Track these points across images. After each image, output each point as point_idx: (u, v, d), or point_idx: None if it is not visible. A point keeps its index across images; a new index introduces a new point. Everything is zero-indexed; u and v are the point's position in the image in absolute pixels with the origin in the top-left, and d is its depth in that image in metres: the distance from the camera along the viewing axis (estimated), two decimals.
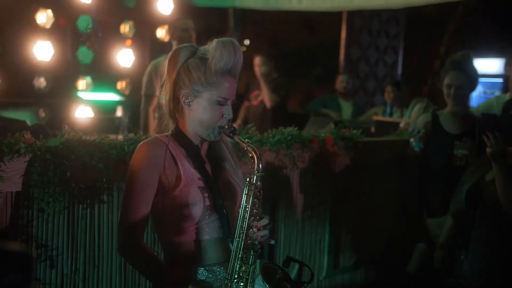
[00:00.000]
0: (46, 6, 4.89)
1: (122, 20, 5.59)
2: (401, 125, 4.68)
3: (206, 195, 2.08)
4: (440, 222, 3.53)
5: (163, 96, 2.17)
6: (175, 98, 2.12)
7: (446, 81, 3.61)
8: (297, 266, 3.50)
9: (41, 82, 4.95)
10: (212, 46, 2.07)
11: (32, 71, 5.02)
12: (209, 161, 2.19)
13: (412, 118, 4.53)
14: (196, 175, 2.10)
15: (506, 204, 2.77)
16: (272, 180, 3.47)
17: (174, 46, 4.48)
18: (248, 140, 2.09)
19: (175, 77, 2.10)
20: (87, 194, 2.76)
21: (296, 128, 3.60)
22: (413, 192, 3.86)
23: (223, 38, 2.07)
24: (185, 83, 2.08)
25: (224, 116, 2.10)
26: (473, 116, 3.66)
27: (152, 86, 4.33)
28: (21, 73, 5.05)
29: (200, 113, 2.09)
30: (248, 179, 2.04)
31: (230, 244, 2.10)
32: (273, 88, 5.80)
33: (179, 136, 2.14)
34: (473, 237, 2.97)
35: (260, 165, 2.04)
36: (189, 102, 2.09)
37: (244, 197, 2.04)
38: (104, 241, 2.85)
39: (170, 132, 2.17)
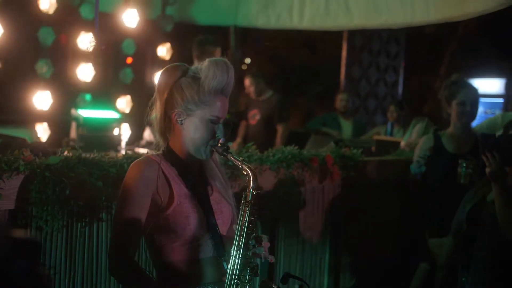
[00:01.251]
0: (47, 24, 4.89)
1: (123, 38, 5.60)
2: (402, 144, 4.68)
3: (199, 214, 2.08)
4: (441, 243, 3.50)
5: (153, 115, 2.17)
6: (166, 117, 2.13)
7: (460, 98, 3.60)
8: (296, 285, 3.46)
9: (41, 99, 4.95)
10: (205, 66, 2.08)
11: (33, 88, 5.02)
12: (201, 180, 2.19)
13: (413, 138, 4.53)
14: (189, 194, 2.10)
15: (504, 225, 2.75)
16: (272, 199, 3.45)
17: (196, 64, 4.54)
18: (242, 158, 2.11)
19: (167, 96, 2.10)
20: (85, 212, 2.73)
21: (296, 147, 3.59)
22: (414, 212, 3.84)
23: (216, 58, 2.09)
24: (177, 101, 2.09)
25: (216, 135, 2.11)
26: (475, 135, 3.66)
27: None
28: (21, 90, 5.04)
29: (192, 132, 2.09)
30: (244, 197, 2.05)
31: (224, 263, 2.09)
32: (269, 108, 5.85)
33: (171, 155, 2.14)
34: (473, 259, 2.94)
35: (256, 183, 2.05)
36: (182, 120, 2.10)
37: (240, 214, 2.04)
38: (103, 259, 2.81)
39: (161, 151, 2.18)
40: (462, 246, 3.06)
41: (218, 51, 4.53)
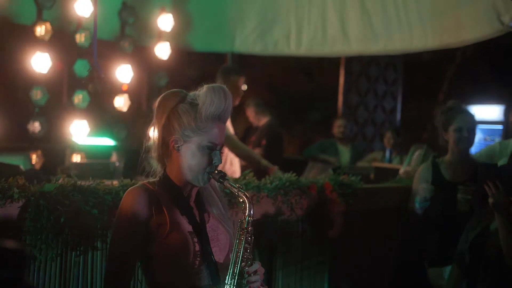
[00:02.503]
0: (42, 50, 4.90)
1: (118, 64, 5.60)
2: (401, 171, 4.64)
3: (194, 242, 2.07)
4: (441, 272, 3.45)
5: (151, 141, 2.18)
6: (164, 143, 2.13)
7: (456, 124, 3.57)
8: None
9: (35, 126, 4.92)
10: (202, 92, 2.09)
11: (27, 115, 5.00)
12: (197, 207, 2.18)
13: (412, 165, 4.49)
14: (184, 221, 2.09)
15: (508, 254, 2.71)
16: (270, 227, 3.41)
17: None
18: (239, 185, 2.11)
19: (164, 122, 2.11)
20: (80, 240, 2.69)
21: (294, 174, 3.56)
22: (414, 240, 3.78)
23: (213, 85, 2.10)
24: (174, 128, 2.09)
25: (213, 162, 2.11)
26: (474, 162, 3.62)
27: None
28: (15, 117, 5.02)
29: (189, 158, 2.09)
30: (239, 224, 2.05)
31: None
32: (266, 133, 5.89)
33: (167, 182, 2.14)
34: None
35: (252, 210, 2.05)
36: (179, 147, 2.10)
37: (235, 242, 2.04)
38: None
39: (157, 178, 2.17)
40: (467, 275, 3.02)
41: (242, 79, 4.56)
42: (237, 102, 4.51)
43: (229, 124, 4.67)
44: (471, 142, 3.62)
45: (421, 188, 3.60)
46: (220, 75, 4.57)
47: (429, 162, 3.75)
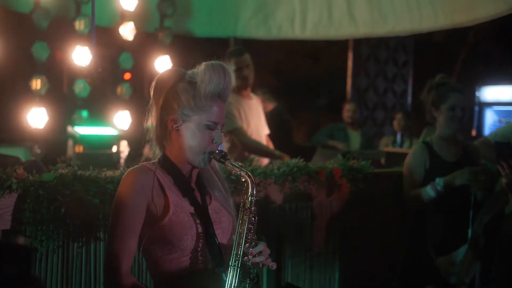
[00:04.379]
0: (41, 38, 4.81)
1: (120, 52, 5.51)
2: None
3: (196, 224, 2.02)
4: (450, 259, 3.34)
5: (150, 122, 2.13)
6: (162, 124, 2.08)
7: (450, 102, 3.46)
8: None
9: (35, 117, 4.83)
10: (201, 70, 2.03)
11: (27, 105, 4.92)
12: (198, 188, 2.13)
13: None
14: (185, 203, 2.04)
15: None
16: (278, 214, 3.34)
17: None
18: (241, 164, 2.06)
19: (162, 102, 2.06)
20: (82, 231, 2.64)
21: (302, 160, 3.47)
22: (420, 229, 3.66)
23: (212, 62, 2.04)
24: (173, 107, 2.04)
25: (214, 141, 2.06)
26: (461, 141, 3.56)
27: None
28: (15, 109, 4.95)
29: (189, 138, 2.04)
30: (242, 204, 2.00)
31: (223, 274, 2.03)
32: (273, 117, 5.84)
33: (167, 164, 2.09)
34: (493, 273, 2.83)
35: (255, 190, 2.00)
36: (177, 127, 2.04)
37: (238, 223, 1.98)
38: (101, 281, 2.70)
39: (157, 159, 2.12)
40: (481, 258, 2.96)
41: (243, 59, 4.46)
42: (251, 81, 4.46)
43: (263, 121, 4.61)
44: (463, 121, 3.53)
45: (465, 172, 3.34)
46: (230, 59, 4.50)
47: (421, 144, 3.58)
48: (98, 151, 4.54)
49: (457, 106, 3.47)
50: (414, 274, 3.56)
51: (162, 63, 5.59)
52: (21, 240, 1.27)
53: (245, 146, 4.31)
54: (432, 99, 3.52)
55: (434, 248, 3.43)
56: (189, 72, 2.09)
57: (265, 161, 4.39)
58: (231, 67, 4.43)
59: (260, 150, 4.38)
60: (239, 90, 4.42)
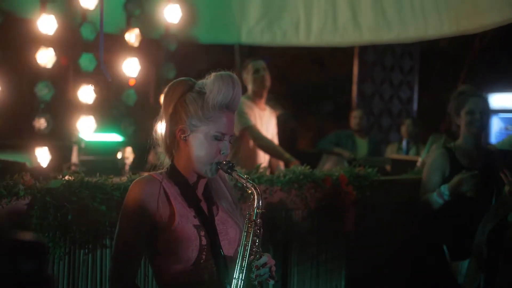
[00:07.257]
0: (47, 45, 4.83)
1: (125, 58, 5.51)
2: (419, 163, 4.53)
3: (201, 234, 2.01)
4: (457, 267, 3.33)
5: (158, 131, 2.13)
6: (171, 133, 2.07)
7: (468, 107, 3.44)
8: None
9: (41, 123, 4.85)
10: (210, 80, 2.03)
11: (33, 111, 4.93)
12: (205, 199, 2.13)
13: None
14: (191, 214, 2.04)
15: None
16: (284, 221, 3.33)
17: (248, 89, 4.56)
18: (247, 176, 2.06)
19: (171, 112, 2.06)
20: (89, 238, 2.64)
21: (308, 167, 3.47)
22: (431, 234, 3.65)
23: (222, 72, 2.04)
24: (181, 117, 2.04)
25: (221, 152, 2.05)
26: (488, 149, 3.51)
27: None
28: (20, 114, 4.96)
29: (196, 149, 2.04)
30: (247, 216, 2.00)
31: (228, 286, 2.02)
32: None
33: (174, 174, 2.09)
34: (497, 283, 2.81)
35: (260, 202, 2.00)
36: (185, 137, 2.04)
37: (243, 235, 1.99)
38: None
39: (165, 169, 2.12)
40: (485, 268, 2.93)
41: (250, 67, 4.53)
42: (268, 83, 4.50)
43: (273, 133, 4.62)
44: (483, 125, 3.49)
45: (463, 179, 3.34)
46: (247, 70, 4.55)
47: (443, 150, 3.56)
48: (103, 157, 4.53)
49: (476, 109, 3.43)
50: (427, 279, 3.54)
51: (167, 69, 5.59)
52: (36, 237, 1.28)
53: (258, 144, 4.34)
54: (454, 107, 3.52)
55: (450, 252, 3.42)
56: (199, 82, 2.09)
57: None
58: (249, 72, 4.49)
59: (272, 149, 4.41)
60: (255, 96, 4.46)
